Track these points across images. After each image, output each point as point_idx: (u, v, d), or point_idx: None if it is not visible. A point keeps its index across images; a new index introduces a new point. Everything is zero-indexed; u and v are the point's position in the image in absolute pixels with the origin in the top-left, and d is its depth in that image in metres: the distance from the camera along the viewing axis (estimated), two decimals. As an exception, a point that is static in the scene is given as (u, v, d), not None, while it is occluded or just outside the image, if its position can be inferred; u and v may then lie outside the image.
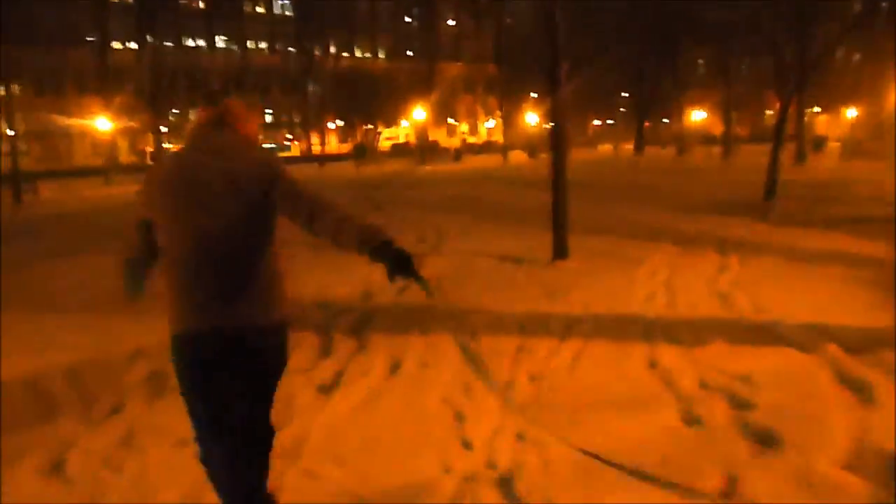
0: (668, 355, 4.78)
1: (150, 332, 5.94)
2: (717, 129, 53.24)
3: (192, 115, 65.35)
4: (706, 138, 49.41)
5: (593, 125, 71.13)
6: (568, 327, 5.51)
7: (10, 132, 33.60)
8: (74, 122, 54.72)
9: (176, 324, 2.37)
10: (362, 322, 6.01)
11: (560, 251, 7.88)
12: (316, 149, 58.39)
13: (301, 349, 5.36)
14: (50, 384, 4.76)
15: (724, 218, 11.35)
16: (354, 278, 7.74)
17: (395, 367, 4.87)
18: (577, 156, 48.50)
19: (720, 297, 6.29)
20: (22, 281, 8.72)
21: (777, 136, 13.81)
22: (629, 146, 47.73)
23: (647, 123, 50.38)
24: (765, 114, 53.88)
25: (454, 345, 5.22)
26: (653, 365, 4.68)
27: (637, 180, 20.52)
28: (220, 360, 2.32)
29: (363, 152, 47.20)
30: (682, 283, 6.85)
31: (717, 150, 38.85)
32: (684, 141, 42.10)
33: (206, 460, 2.46)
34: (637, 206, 13.69)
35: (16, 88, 50.47)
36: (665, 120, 64.74)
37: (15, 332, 6.19)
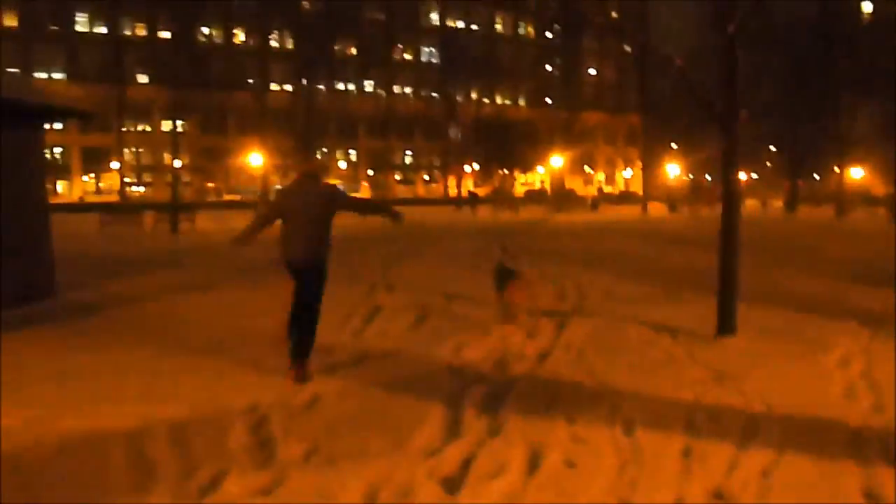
0: (892, 483, 3.64)
1: (267, 387, 5.47)
2: (879, 188, 48.85)
3: (339, 154, 67.97)
4: (866, 198, 45.35)
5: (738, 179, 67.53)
6: (748, 429, 4.44)
7: (176, 163, 35.79)
8: (234, 158, 58.23)
9: (286, 256, 5.71)
10: (497, 396, 5.19)
11: (726, 325, 6.73)
12: (453, 191, 58.75)
13: (427, 424, 4.62)
14: (151, 444, 4.27)
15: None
16: (489, 340, 6.97)
17: (534, 462, 4.00)
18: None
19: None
20: (150, 315, 8.59)
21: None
22: (778, 203, 44.51)
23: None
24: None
25: (607, 438, 4.31)
26: (869, 496, 3.56)
27: (797, 242, 18.60)
28: (302, 270, 5.67)
29: (500, 196, 46.92)
30: (887, 378, 5.54)
31: (881, 211, 35.32)
32: (844, 200, 38.63)
33: (293, 314, 5.77)
34: (804, 272, 12.11)
35: (184, 126, 54.58)
36: (816, 176, 60.38)
37: (130, 373, 5.87)
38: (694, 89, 6.53)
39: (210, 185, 57.66)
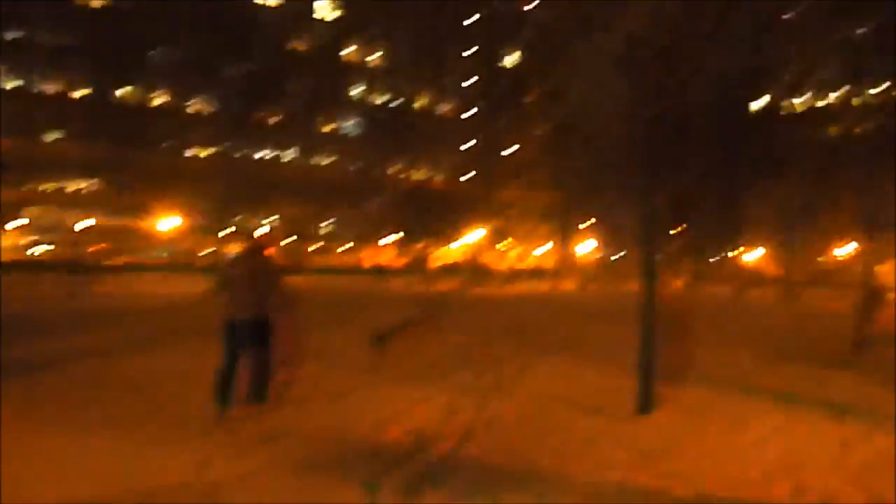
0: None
1: (169, 468, 5.00)
2: (771, 269, 51.53)
3: (255, 221, 66.92)
4: (760, 279, 47.72)
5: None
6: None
7: (84, 223, 34.25)
8: (146, 220, 56.29)
9: (227, 316, 6.50)
10: (418, 480, 4.91)
11: (645, 403, 6.71)
12: (368, 262, 58.59)
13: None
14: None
15: (820, 371, 10.03)
16: (411, 416, 6.71)
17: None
18: (634, 286, 47.32)
19: (858, 486, 5.03)
20: (62, 383, 7.92)
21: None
22: (678, 283, 46.21)
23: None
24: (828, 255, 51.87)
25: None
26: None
27: (703, 319, 19.14)
28: (240, 328, 6.45)
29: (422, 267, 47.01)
30: (803, 459, 5.59)
31: (774, 290, 37.23)
32: (743, 280, 40.55)
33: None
34: (713, 348, 12.41)
35: (96, 184, 52.63)
36: (712, 259, 63.31)
37: (32, 452, 5.29)
38: (612, 170, 6.67)
39: (103, 245, 55.51)
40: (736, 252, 48.08)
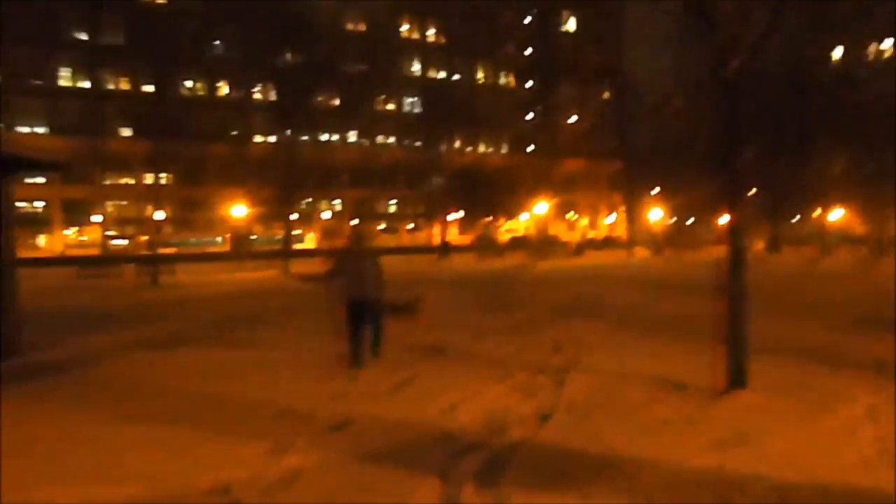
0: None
1: (237, 463, 4.86)
2: (858, 228, 49.05)
3: (323, 205, 67.68)
4: (848, 239, 45.45)
5: (719, 224, 67.72)
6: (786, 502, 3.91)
7: (157, 216, 35.19)
8: (215, 210, 57.72)
9: (348, 298, 8.04)
10: (494, 467, 4.62)
11: (737, 379, 6.22)
12: (436, 240, 58.49)
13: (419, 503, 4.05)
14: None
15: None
16: (483, 398, 6.42)
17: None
18: (708, 254, 45.68)
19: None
20: (116, 377, 7.94)
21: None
22: (759, 246, 44.53)
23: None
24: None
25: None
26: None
27: (784, 286, 18.22)
28: (361, 307, 8.07)
29: (485, 245, 46.72)
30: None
31: (862, 250, 35.31)
32: (826, 241, 38.62)
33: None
34: (799, 318, 11.67)
35: (166, 178, 54.09)
36: (797, 217, 60.76)
37: (85, 447, 5.24)
38: (693, 131, 6.15)
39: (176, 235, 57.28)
40: (816, 213, 45.79)
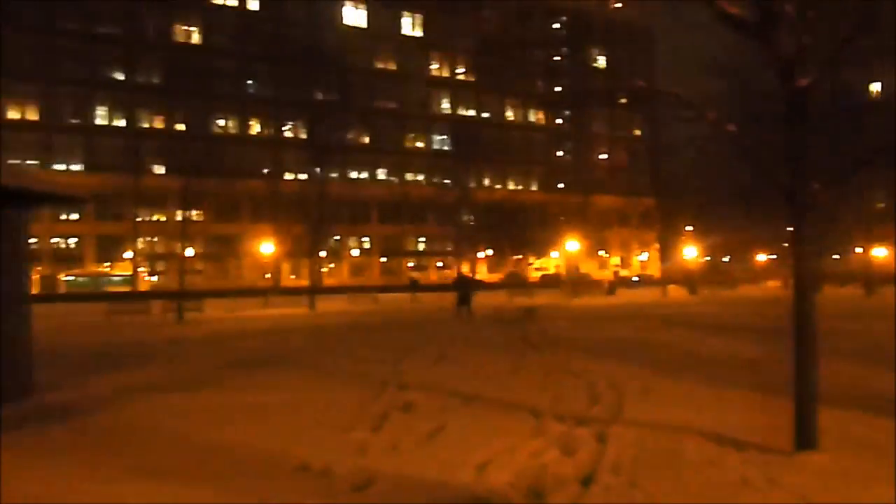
0: None
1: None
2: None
3: (352, 242, 67.69)
4: (890, 278, 43.83)
5: (758, 260, 66.20)
6: None
7: (187, 252, 35.25)
8: (246, 246, 58.00)
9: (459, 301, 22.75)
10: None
11: (806, 437, 5.53)
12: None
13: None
14: None
15: None
16: (517, 456, 5.80)
17: None
18: (747, 292, 44.45)
19: None
20: (126, 424, 7.45)
21: None
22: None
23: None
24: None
25: None
26: None
27: (838, 325, 17.26)
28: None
29: (515, 280, 46.06)
30: None
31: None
32: (872, 279, 37.23)
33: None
34: (860, 361, 10.85)
35: (197, 214, 54.57)
36: (836, 256, 59.21)
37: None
38: (751, 158, 5.58)
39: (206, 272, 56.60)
40: (857, 250, 44.43)
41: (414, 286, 41.06)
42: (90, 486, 5.22)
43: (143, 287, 55.62)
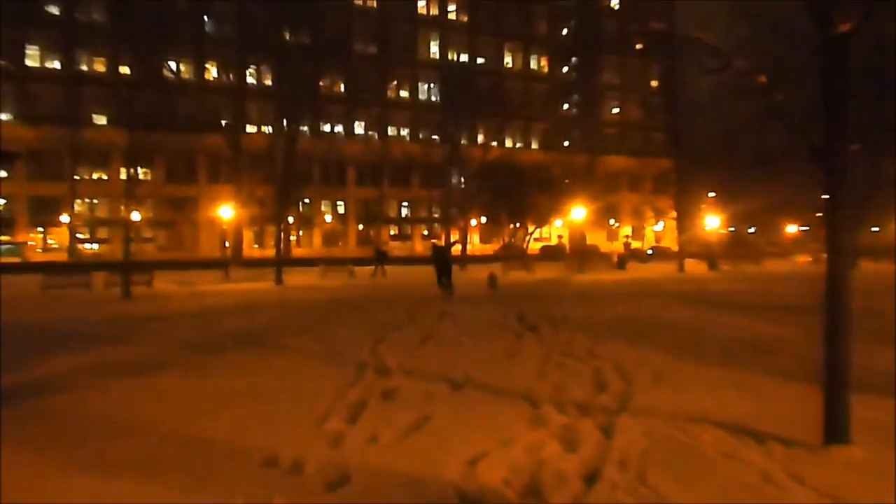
0: None
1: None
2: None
3: (325, 207, 67.53)
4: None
5: (787, 233, 66.66)
6: None
7: (134, 217, 35.03)
8: (202, 211, 57.71)
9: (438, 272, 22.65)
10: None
11: (837, 430, 5.65)
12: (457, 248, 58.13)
13: None
14: None
15: None
16: (512, 450, 5.90)
17: None
18: (773, 267, 44.85)
19: None
20: (66, 411, 7.50)
21: None
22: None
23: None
24: None
25: None
26: None
27: (874, 304, 17.47)
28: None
29: (512, 254, 46.13)
30: None
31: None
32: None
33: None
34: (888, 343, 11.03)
35: (146, 173, 54.17)
36: (875, 228, 59.74)
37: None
38: (783, 114, 5.62)
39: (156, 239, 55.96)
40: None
41: (380, 258, 38.79)
42: (36, 482, 5.29)
43: (34, 258, 54.19)
